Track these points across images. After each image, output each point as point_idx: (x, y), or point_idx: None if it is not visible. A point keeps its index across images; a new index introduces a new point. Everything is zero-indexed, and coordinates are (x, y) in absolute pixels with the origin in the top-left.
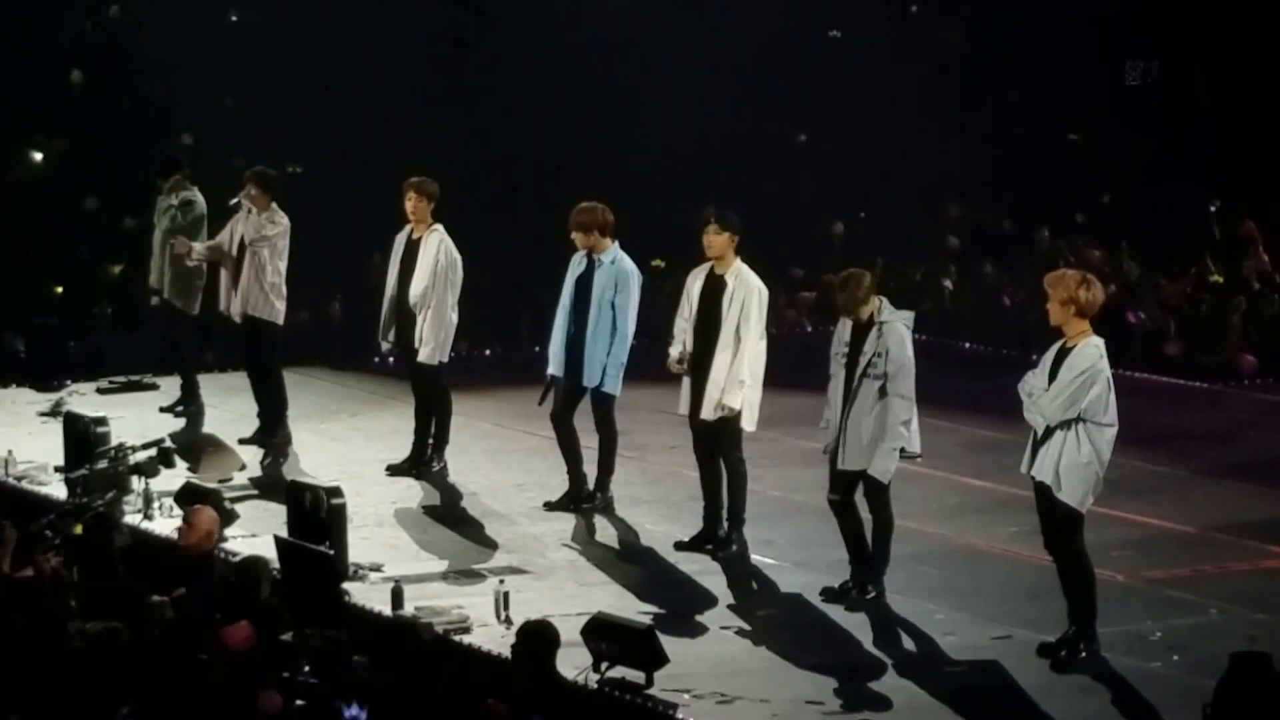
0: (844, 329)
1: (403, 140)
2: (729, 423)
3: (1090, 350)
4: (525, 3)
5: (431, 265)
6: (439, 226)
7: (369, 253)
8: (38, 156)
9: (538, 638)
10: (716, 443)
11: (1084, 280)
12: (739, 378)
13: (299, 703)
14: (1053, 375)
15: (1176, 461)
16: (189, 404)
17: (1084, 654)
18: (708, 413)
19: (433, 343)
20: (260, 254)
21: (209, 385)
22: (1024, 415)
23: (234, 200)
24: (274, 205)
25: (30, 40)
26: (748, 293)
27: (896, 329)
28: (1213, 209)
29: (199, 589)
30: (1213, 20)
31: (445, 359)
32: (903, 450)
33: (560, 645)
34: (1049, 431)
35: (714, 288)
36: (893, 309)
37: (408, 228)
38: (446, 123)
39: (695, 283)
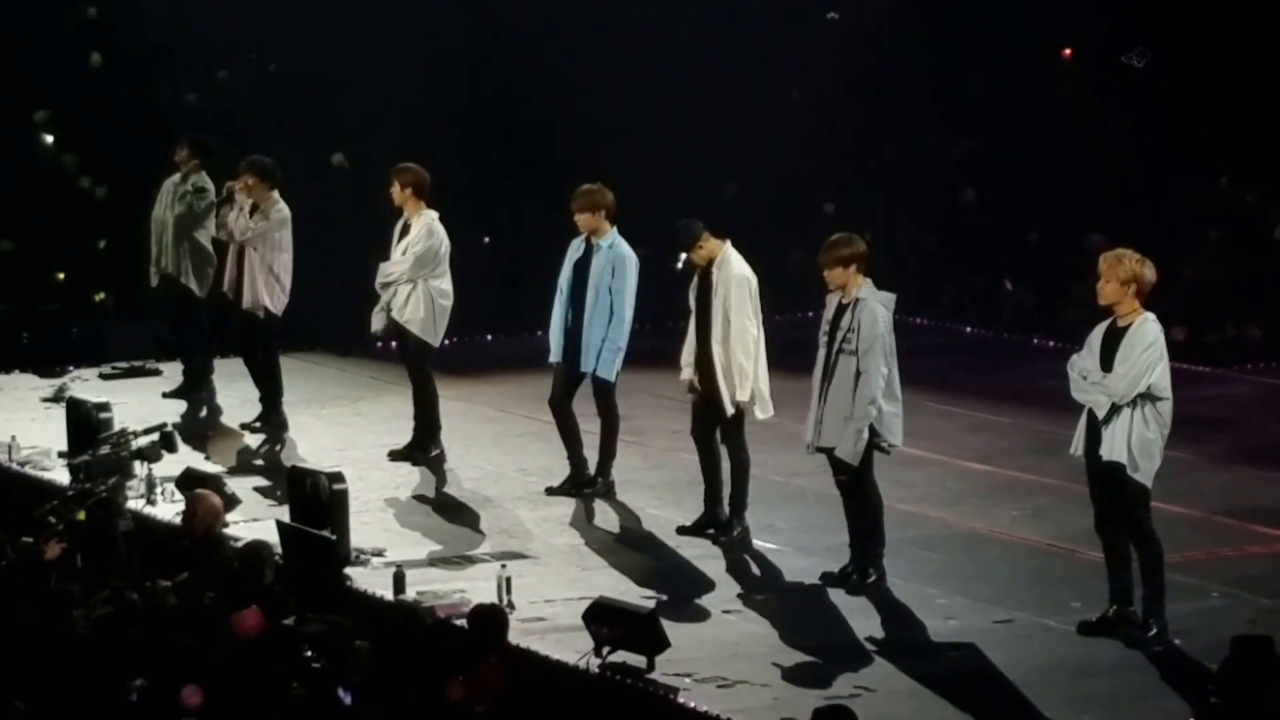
0: (829, 308)
1: (406, 128)
2: (733, 412)
3: (1150, 325)
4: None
5: (408, 246)
6: (430, 212)
7: (370, 240)
8: (49, 139)
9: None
10: (722, 429)
11: (1143, 260)
12: (741, 368)
13: (295, 685)
14: (1104, 354)
15: (1181, 446)
16: (199, 388)
17: (1155, 631)
18: (725, 405)
19: (416, 323)
20: (255, 246)
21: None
22: (1074, 395)
23: (224, 190)
24: (275, 194)
25: (35, 22)
26: (729, 281)
27: (870, 305)
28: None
29: (204, 574)
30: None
31: (435, 341)
32: (877, 437)
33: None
34: (1114, 410)
35: (705, 283)
36: (874, 289)
37: (406, 214)
38: (448, 108)
39: (692, 284)
